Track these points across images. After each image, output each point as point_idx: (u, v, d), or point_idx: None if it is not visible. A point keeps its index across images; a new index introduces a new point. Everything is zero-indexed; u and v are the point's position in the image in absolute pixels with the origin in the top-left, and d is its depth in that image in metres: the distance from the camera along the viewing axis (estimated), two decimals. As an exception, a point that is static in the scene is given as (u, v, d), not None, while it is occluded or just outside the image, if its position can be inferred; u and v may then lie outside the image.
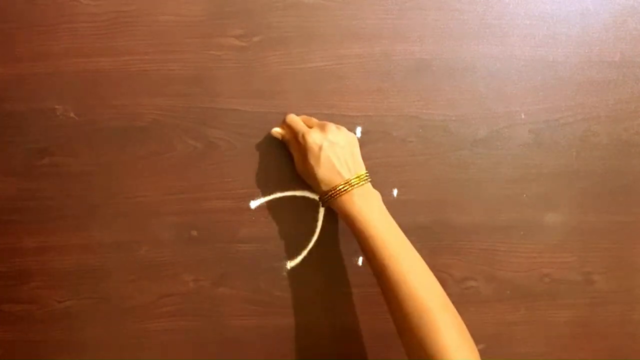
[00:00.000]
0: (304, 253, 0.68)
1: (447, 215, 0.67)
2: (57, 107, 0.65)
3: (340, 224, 0.67)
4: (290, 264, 0.68)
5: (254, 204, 0.67)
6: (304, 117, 0.64)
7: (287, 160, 0.66)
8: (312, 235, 0.67)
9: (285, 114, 0.65)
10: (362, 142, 0.66)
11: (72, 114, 0.66)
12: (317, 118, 0.66)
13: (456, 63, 0.66)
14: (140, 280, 0.68)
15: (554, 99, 0.66)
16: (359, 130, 0.66)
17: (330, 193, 0.58)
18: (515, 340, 0.69)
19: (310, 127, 0.61)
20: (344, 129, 0.61)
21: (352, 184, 0.58)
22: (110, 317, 0.68)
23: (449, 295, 0.68)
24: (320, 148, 0.58)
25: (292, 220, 0.67)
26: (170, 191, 0.67)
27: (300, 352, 0.69)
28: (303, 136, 0.60)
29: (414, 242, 0.67)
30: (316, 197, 0.67)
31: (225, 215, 0.67)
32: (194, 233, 0.67)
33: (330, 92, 0.66)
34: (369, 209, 0.57)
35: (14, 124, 0.66)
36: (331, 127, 0.60)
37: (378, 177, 0.67)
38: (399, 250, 0.55)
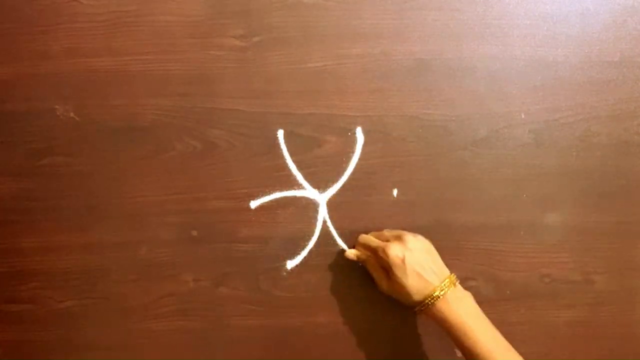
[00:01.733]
0: (304, 253, 0.68)
1: (447, 215, 0.67)
2: (57, 107, 0.65)
3: (340, 224, 0.67)
4: (290, 264, 0.68)
5: (254, 204, 0.67)
6: (375, 232, 0.65)
7: (287, 160, 0.66)
8: (312, 235, 0.67)
9: (286, 114, 0.65)
10: (362, 142, 0.66)
11: (72, 114, 0.66)
12: (317, 118, 0.66)
13: (456, 63, 0.66)
14: (140, 280, 0.68)
15: (554, 99, 0.66)
16: (359, 130, 0.66)
17: (427, 302, 0.58)
18: (515, 340, 0.69)
19: (385, 241, 0.61)
20: (419, 236, 0.62)
21: (444, 288, 0.58)
22: (110, 317, 0.68)
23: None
24: (404, 260, 0.58)
25: (292, 220, 0.67)
26: (170, 191, 0.67)
27: (300, 352, 0.69)
28: (384, 251, 0.59)
29: (414, 242, 0.67)
30: (317, 198, 0.67)
31: (225, 215, 0.67)
32: (194, 233, 0.67)
33: (330, 92, 0.66)
34: (466, 312, 0.57)
35: (14, 124, 0.66)
36: (407, 236, 0.60)
37: (378, 177, 0.67)
38: (500, 351, 0.55)
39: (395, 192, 0.67)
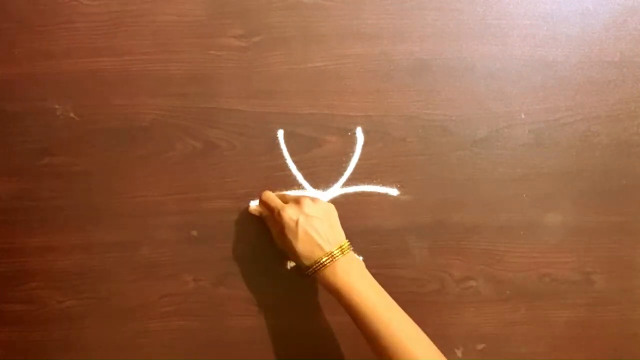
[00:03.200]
0: (304, 253, 0.67)
1: (447, 215, 0.67)
2: (57, 107, 0.65)
3: (341, 224, 0.67)
4: (291, 264, 0.68)
5: (254, 204, 0.67)
6: (279, 193, 0.65)
7: (287, 160, 0.66)
8: (312, 235, 0.67)
9: (286, 113, 0.65)
10: (363, 142, 0.66)
11: (72, 114, 0.66)
12: (318, 118, 0.66)
13: (456, 63, 0.66)
14: (140, 280, 0.68)
15: (554, 99, 0.66)
16: (359, 130, 0.66)
17: (314, 267, 0.57)
18: (515, 340, 0.69)
19: (285, 203, 0.61)
20: (320, 200, 0.61)
21: (335, 255, 0.57)
22: (110, 317, 0.68)
23: (449, 295, 0.68)
24: (297, 223, 0.58)
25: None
26: (170, 191, 0.67)
27: (300, 352, 0.69)
28: (279, 213, 0.59)
29: (414, 242, 0.67)
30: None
31: (225, 215, 0.67)
32: (194, 233, 0.67)
33: (330, 92, 0.66)
34: (354, 278, 0.56)
35: (14, 124, 0.66)
36: (306, 200, 0.59)
37: (378, 177, 0.67)
38: (389, 314, 0.55)
39: (395, 192, 0.67)
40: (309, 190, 0.67)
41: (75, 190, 0.67)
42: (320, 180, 0.67)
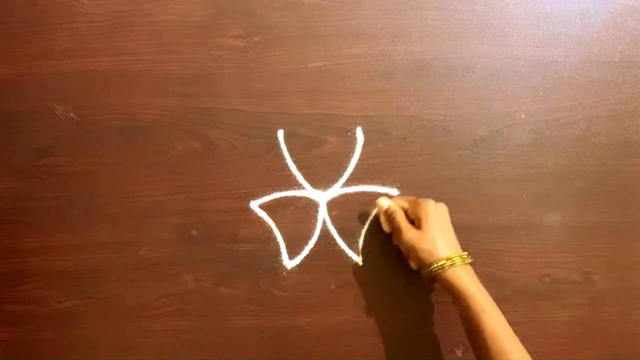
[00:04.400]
0: (304, 253, 0.67)
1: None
2: (57, 107, 0.66)
3: (340, 224, 0.67)
4: (290, 264, 0.68)
5: (254, 204, 0.67)
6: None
7: (287, 160, 0.66)
8: (312, 235, 0.67)
9: (286, 113, 0.65)
10: (362, 142, 0.66)
11: (72, 114, 0.66)
12: (317, 118, 0.66)
13: (456, 63, 0.66)
14: (140, 280, 0.68)
15: (554, 99, 0.66)
16: (359, 130, 0.66)
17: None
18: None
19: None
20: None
21: (465, 258, 0.59)
22: (110, 317, 0.68)
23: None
24: (444, 213, 0.61)
25: (292, 220, 0.67)
26: (170, 191, 0.67)
27: (301, 352, 0.69)
28: (425, 201, 0.61)
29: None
30: (317, 198, 0.67)
31: (225, 215, 0.67)
32: (194, 233, 0.67)
33: (330, 92, 0.66)
34: (479, 285, 0.58)
35: (14, 124, 0.66)
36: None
37: (378, 177, 0.67)
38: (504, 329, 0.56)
39: (395, 192, 0.67)
40: (309, 190, 0.67)
41: (75, 190, 0.67)
42: (320, 180, 0.67)
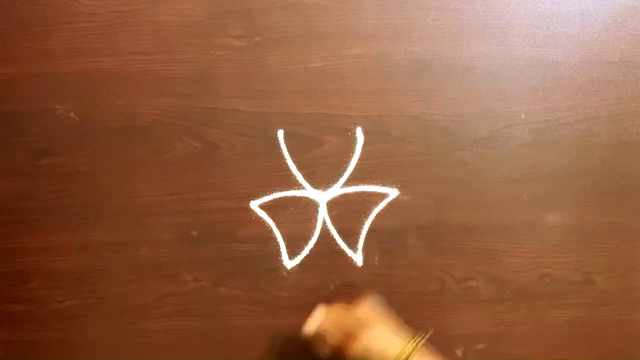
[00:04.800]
0: (304, 253, 0.67)
1: (447, 215, 0.67)
2: (57, 107, 0.65)
3: (340, 224, 0.67)
4: (290, 264, 0.68)
5: (254, 204, 0.67)
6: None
7: (287, 160, 0.66)
8: (312, 235, 0.67)
9: (286, 113, 0.65)
10: (362, 142, 0.66)
11: (72, 114, 0.66)
12: (317, 118, 0.66)
13: (456, 63, 0.66)
14: (140, 280, 0.68)
15: (554, 99, 0.66)
16: (359, 130, 0.66)
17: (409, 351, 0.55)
18: (515, 340, 0.69)
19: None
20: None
21: (417, 342, 0.56)
22: (110, 317, 0.68)
23: (449, 295, 0.68)
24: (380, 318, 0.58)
25: (292, 220, 0.67)
26: (170, 191, 0.67)
27: (300, 352, 0.69)
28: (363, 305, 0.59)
29: (414, 242, 0.67)
30: (317, 198, 0.67)
31: (225, 215, 0.67)
32: (194, 233, 0.67)
33: (330, 92, 0.66)
34: None
35: (14, 124, 0.66)
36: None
37: (378, 177, 0.67)
38: None
39: (395, 192, 0.67)
40: (309, 190, 0.67)
41: (75, 190, 0.67)
42: (320, 180, 0.67)
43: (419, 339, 0.57)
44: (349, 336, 0.57)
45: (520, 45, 0.65)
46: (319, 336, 0.59)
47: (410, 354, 0.55)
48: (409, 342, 0.56)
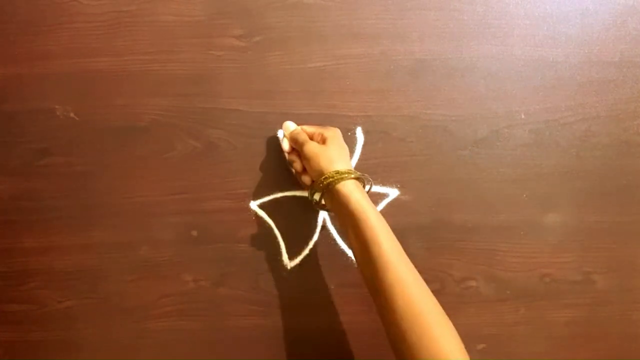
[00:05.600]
0: (304, 253, 0.67)
1: (447, 215, 0.67)
2: (57, 107, 0.66)
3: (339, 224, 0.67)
4: (290, 264, 0.68)
5: (254, 204, 0.67)
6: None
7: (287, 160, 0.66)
8: (312, 235, 0.67)
9: (286, 114, 0.65)
10: (362, 142, 0.66)
11: (72, 114, 0.66)
12: (317, 118, 0.66)
13: (456, 63, 0.66)
14: (140, 280, 0.68)
15: (554, 99, 0.66)
16: (359, 130, 0.66)
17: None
18: (515, 340, 0.69)
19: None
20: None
21: (361, 175, 0.58)
22: (110, 317, 0.68)
23: (449, 295, 0.68)
24: (339, 135, 0.61)
25: (292, 220, 0.67)
26: (170, 191, 0.67)
27: (300, 352, 0.69)
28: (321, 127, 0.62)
29: (414, 242, 0.67)
30: (316, 199, 0.67)
31: (225, 215, 0.67)
32: (194, 233, 0.67)
33: (330, 92, 0.66)
34: (371, 203, 0.55)
35: (14, 124, 0.66)
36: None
37: (378, 177, 0.67)
38: (394, 245, 0.53)
39: (395, 192, 0.67)
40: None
41: (75, 190, 0.67)
42: (320, 180, 0.67)
43: (361, 175, 0.57)
44: (305, 142, 0.60)
45: (520, 45, 0.65)
46: (294, 132, 0.62)
47: (332, 180, 0.56)
48: (344, 172, 0.56)
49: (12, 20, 0.64)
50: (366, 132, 0.66)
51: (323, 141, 0.60)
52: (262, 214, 0.67)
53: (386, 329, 0.51)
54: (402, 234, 0.67)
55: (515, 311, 0.68)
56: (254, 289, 0.68)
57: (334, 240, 0.67)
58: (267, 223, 0.67)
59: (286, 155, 0.64)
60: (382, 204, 0.67)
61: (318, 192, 0.58)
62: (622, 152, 0.67)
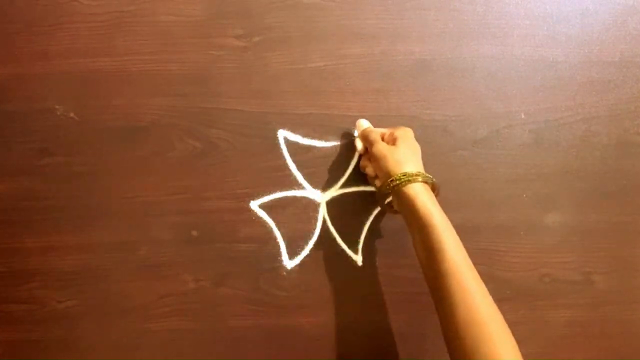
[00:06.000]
0: (304, 253, 0.67)
1: (447, 215, 0.67)
2: (57, 107, 0.65)
3: (340, 224, 0.67)
4: (290, 264, 0.68)
5: (254, 204, 0.67)
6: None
7: (287, 160, 0.66)
8: (312, 235, 0.67)
9: (286, 113, 0.65)
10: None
11: (72, 114, 0.66)
12: (317, 118, 0.66)
13: (456, 63, 0.66)
14: (140, 280, 0.68)
15: (554, 99, 0.66)
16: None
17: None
18: (515, 340, 0.69)
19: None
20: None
21: (431, 179, 0.57)
22: (110, 317, 0.68)
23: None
24: (411, 135, 0.60)
25: (292, 220, 0.67)
26: (170, 191, 0.67)
27: (300, 352, 0.69)
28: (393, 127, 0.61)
29: (414, 242, 0.67)
30: (317, 198, 0.67)
31: (225, 215, 0.67)
32: (194, 233, 0.67)
33: (330, 92, 0.66)
34: (439, 207, 0.55)
35: (14, 124, 0.66)
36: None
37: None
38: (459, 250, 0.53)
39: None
40: (308, 190, 0.67)
41: (75, 190, 0.67)
42: (320, 181, 0.67)
43: (432, 179, 0.57)
44: (374, 142, 0.59)
45: (520, 45, 0.65)
46: (366, 130, 0.62)
47: (399, 183, 0.55)
48: (413, 174, 0.56)
49: (12, 20, 0.64)
50: (366, 132, 0.66)
51: (393, 141, 0.59)
52: (262, 214, 0.67)
53: (444, 333, 0.51)
54: (402, 234, 0.68)
55: (515, 311, 0.68)
56: (254, 289, 0.68)
57: (334, 240, 0.67)
58: (267, 223, 0.67)
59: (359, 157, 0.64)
60: (382, 204, 0.67)
61: (385, 194, 0.57)
62: (622, 152, 0.67)
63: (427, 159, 0.66)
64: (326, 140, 0.66)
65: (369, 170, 0.62)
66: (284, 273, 0.68)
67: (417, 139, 0.66)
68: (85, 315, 0.68)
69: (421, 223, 0.53)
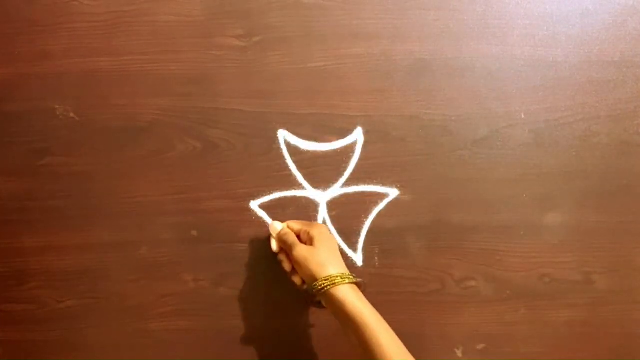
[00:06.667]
0: (304, 253, 0.67)
1: (447, 215, 0.67)
2: (57, 107, 0.66)
3: (340, 224, 0.67)
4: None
5: (254, 204, 0.67)
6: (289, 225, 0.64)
7: (287, 160, 0.66)
8: (312, 235, 0.67)
9: (286, 113, 0.65)
10: (363, 142, 0.66)
11: (72, 114, 0.66)
12: (317, 118, 0.66)
13: (456, 63, 0.66)
14: (140, 280, 0.68)
15: (554, 99, 0.66)
16: (359, 130, 0.66)
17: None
18: (515, 340, 0.69)
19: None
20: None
21: (354, 278, 0.58)
22: (110, 317, 0.68)
23: (449, 295, 0.68)
24: (334, 239, 0.62)
25: (292, 220, 0.67)
26: (170, 191, 0.67)
27: (300, 352, 0.69)
28: (310, 224, 0.63)
29: (414, 242, 0.68)
30: (317, 198, 0.67)
31: (225, 215, 0.67)
32: (194, 233, 0.67)
33: (330, 92, 0.66)
34: (367, 303, 0.57)
35: (14, 124, 0.66)
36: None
37: (378, 177, 0.67)
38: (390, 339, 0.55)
39: (395, 191, 0.67)
40: (309, 190, 0.67)
41: (75, 190, 0.67)
42: (320, 180, 0.67)
43: (354, 277, 0.58)
44: (293, 245, 0.60)
45: (520, 45, 0.65)
46: (282, 232, 0.63)
47: (325, 286, 0.56)
48: (347, 273, 0.58)
49: (12, 20, 0.64)
50: (366, 132, 0.66)
51: (310, 241, 0.60)
52: (262, 214, 0.67)
53: None
54: (402, 234, 0.68)
55: (515, 311, 0.68)
56: (254, 289, 0.68)
57: (334, 240, 0.67)
58: (267, 223, 0.67)
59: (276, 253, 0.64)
60: (382, 204, 0.67)
61: (312, 296, 0.58)
62: (622, 152, 0.67)
63: (427, 159, 0.66)
64: (326, 140, 0.66)
65: (286, 265, 0.63)
66: (284, 273, 0.68)
67: (418, 138, 0.66)
68: (85, 315, 0.68)
69: (355, 323, 0.55)
